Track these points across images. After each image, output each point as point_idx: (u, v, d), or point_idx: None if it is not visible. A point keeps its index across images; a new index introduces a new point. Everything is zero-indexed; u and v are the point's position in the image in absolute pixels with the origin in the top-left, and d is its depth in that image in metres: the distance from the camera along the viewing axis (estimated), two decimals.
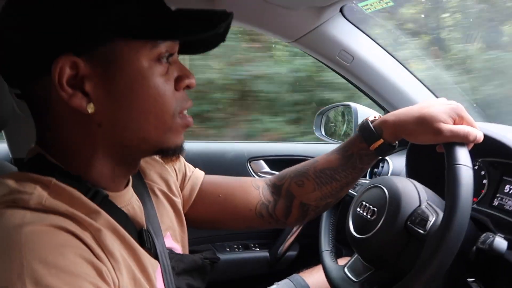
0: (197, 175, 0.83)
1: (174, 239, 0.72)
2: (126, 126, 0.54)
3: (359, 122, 0.82)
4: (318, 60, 1.28)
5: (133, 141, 0.55)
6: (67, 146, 0.54)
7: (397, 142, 0.79)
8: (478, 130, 0.72)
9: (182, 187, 0.80)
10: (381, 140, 0.77)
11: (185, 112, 0.60)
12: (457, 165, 0.67)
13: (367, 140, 0.78)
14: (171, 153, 0.59)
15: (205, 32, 0.54)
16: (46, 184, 0.50)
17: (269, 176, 0.90)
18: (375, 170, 1.35)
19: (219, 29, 0.53)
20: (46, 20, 0.48)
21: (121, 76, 0.51)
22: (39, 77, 0.51)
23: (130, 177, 0.64)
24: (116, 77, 0.51)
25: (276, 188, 0.85)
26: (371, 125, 0.78)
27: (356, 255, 0.91)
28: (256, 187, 0.84)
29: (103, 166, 0.56)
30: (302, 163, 0.86)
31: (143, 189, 0.68)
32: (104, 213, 0.53)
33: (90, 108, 0.51)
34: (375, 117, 0.81)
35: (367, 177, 1.36)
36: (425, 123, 0.72)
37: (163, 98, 0.55)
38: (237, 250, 1.52)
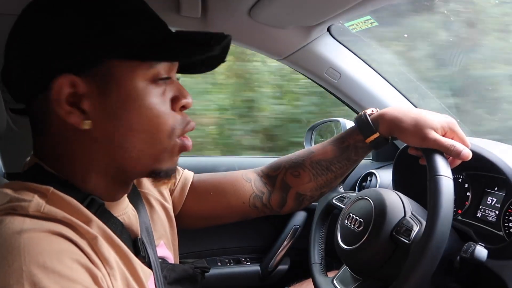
0: (187, 176, 0.84)
1: (167, 247, 0.73)
2: (121, 144, 0.55)
3: None
4: (307, 77, 1.31)
5: (127, 159, 0.56)
6: (64, 158, 0.56)
7: (390, 137, 0.81)
8: (467, 148, 0.74)
9: (173, 188, 0.81)
10: (377, 134, 0.79)
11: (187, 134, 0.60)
12: (437, 176, 0.69)
13: (363, 133, 0.80)
14: (163, 175, 0.59)
15: (200, 54, 0.55)
16: (44, 192, 0.51)
17: (260, 167, 0.90)
18: (364, 183, 1.37)
19: (215, 51, 0.55)
20: (46, 43, 0.51)
21: (117, 95, 0.53)
22: (40, 94, 0.53)
23: None
24: (112, 96, 0.53)
25: (270, 178, 0.86)
26: (368, 118, 0.80)
27: (344, 267, 0.93)
28: (247, 179, 0.85)
29: (99, 178, 0.57)
30: (296, 153, 0.87)
31: (137, 198, 0.70)
32: (99, 222, 0.54)
33: (87, 125, 0.52)
34: (372, 110, 0.83)
35: (356, 190, 1.39)
36: (417, 126, 0.75)
37: (158, 119, 0.55)
38: (228, 264, 1.52)
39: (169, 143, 0.57)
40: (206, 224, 0.86)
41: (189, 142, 0.60)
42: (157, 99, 0.55)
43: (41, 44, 0.51)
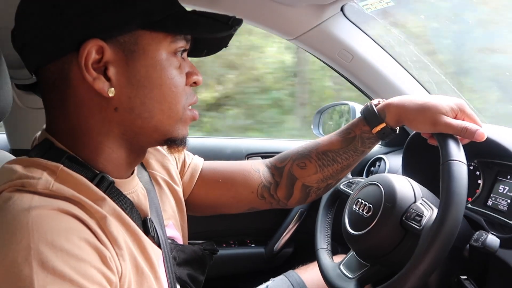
0: (197, 162, 0.84)
1: (176, 228, 0.73)
2: (140, 113, 0.56)
3: None
4: (318, 58, 1.29)
5: (145, 129, 0.57)
6: (80, 129, 0.55)
7: (398, 127, 0.80)
8: (479, 127, 0.73)
9: (182, 174, 0.81)
10: (384, 124, 0.79)
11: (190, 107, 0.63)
12: (451, 161, 0.68)
13: (370, 123, 0.80)
14: (178, 143, 0.61)
15: (221, 31, 0.57)
16: (54, 170, 0.51)
17: (269, 159, 0.91)
18: (372, 168, 1.36)
19: (234, 30, 0.57)
20: (78, 5, 0.50)
21: (142, 65, 0.54)
22: (59, 58, 0.52)
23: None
24: (137, 65, 0.54)
25: (277, 170, 0.86)
26: (374, 108, 0.80)
27: (351, 252, 0.92)
28: (256, 170, 0.86)
29: (112, 151, 0.57)
30: (304, 145, 0.87)
31: (146, 179, 0.69)
32: (109, 200, 0.54)
33: (111, 92, 0.53)
34: (379, 101, 0.82)
35: (364, 176, 1.37)
36: (426, 112, 0.73)
37: (177, 89, 0.58)
38: (233, 246, 1.52)
39: (183, 113, 0.60)
40: (213, 212, 0.87)
41: (196, 111, 0.64)
42: (177, 71, 0.58)
43: (69, 6, 0.51)
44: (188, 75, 0.61)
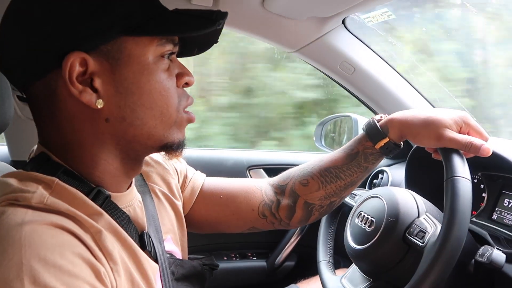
0: (198, 177, 0.83)
1: (175, 242, 0.72)
2: (132, 121, 0.55)
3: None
4: (319, 70, 1.29)
5: (138, 137, 0.56)
6: (73, 143, 0.54)
7: (402, 142, 0.79)
8: (484, 142, 0.71)
9: (183, 188, 0.80)
10: (387, 139, 0.77)
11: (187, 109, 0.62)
12: (455, 177, 0.66)
13: (373, 139, 0.78)
14: (175, 148, 0.60)
15: (206, 28, 0.56)
16: (49, 183, 0.50)
17: (272, 178, 0.90)
18: (375, 181, 1.34)
19: (219, 25, 0.55)
20: (55, 19, 0.50)
21: (128, 72, 0.53)
22: (45, 76, 0.52)
23: (133, 179, 0.64)
24: (123, 73, 0.53)
25: (279, 188, 0.85)
26: (377, 124, 0.79)
27: (353, 266, 0.91)
28: (258, 187, 0.84)
29: (108, 163, 0.56)
30: (307, 163, 0.86)
31: (145, 191, 0.69)
32: (105, 215, 0.53)
33: (99, 104, 0.52)
34: (381, 116, 0.81)
35: (366, 188, 1.36)
36: (429, 127, 0.72)
37: (168, 93, 0.57)
38: (234, 259, 1.51)
39: (177, 117, 0.59)
40: (213, 230, 0.85)
41: (193, 114, 0.62)
42: (165, 74, 0.57)
43: (46, 22, 0.50)
44: (179, 76, 0.59)
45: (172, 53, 0.58)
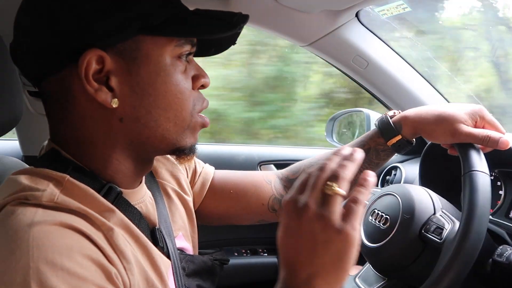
0: (208, 171, 0.83)
1: (186, 238, 0.72)
2: (146, 122, 0.54)
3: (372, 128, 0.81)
4: (332, 64, 1.27)
5: (151, 138, 0.55)
6: (85, 141, 0.54)
7: (414, 139, 0.78)
8: (502, 135, 0.70)
9: (192, 183, 0.80)
10: (399, 136, 0.76)
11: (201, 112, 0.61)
12: (473, 172, 0.66)
13: (385, 135, 0.77)
14: (187, 152, 0.59)
15: (226, 31, 0.55)
16: (60, 180, 0.50)
17: (281, 170, 0.89)
18: (387, 177, 1.33)
19: (239, 29, 0.55)
20: (73, 15, 0.49)
21: (145, 72, 0.52)
22: (60, 71, 0.51)
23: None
24: (140, 73, 0.52)
25: (289, 182, 0.84)
26: (390, 120, 0.77)
27: (367, 265, 0.90)
28: (268, 181, 0.84)
29: (119, 162, 0.56)
30: (316, 156, 0.85)
31: (155, 188, 0.68)
32: (117, 211, 0.52)
33: (115, 103, 0.51)
34: (394, 112, 0.80)
35: (379, 186, 1.34)
36: (444, 123, 0.71)
37: (183, 95, 0.56)
38: (245, 255, 1.50)
39: (191, 120, 0.58)
40: (222, 223, 0.85)
41: (207, 118, 0.61)
42: (182, 76, 0.56)
43: (64, 18, 0.49)
44: (195, 78, 0.58)
45: (190, 54, 0.57)
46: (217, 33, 0.56)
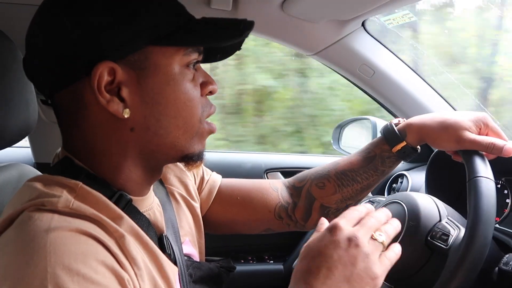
0: (215, 178, 0.83)
1: (192, 244, 0.72)
2: (156, 130, 0.55)
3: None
4: (338, 73, 1.28)
5: (161, 146, 0.56)
6: (97, 150, 0.55)
7: (419, 146, 0.79)
8: (506, 142, 0.70)
9: (200, 190, 0.80)
10: (404, 143, 0.77)
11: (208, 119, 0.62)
12: (478, 178, 0.66)
13: (390, 143, 0.78)
14: (195, 158, 0.60)
15: (232, 39, 0.56)
16: (73, 187, 0.51)
17: (287, 179, 0.89)
18: (394, 185, 1.33)
19: (245, 36, 0.56)
20: (83, 29, 0.50)
21: (154, 81, 0.54)
22: (73, 83, 0.53)
23: None
24: (149, 83, 0.53)
25: (296, 189, 0.85)
26: (395, 128, 0.78)
27: None
28: (274, 189, 0.84)
29: (130, 171, 0.57)
30: (323, 165, 0.85)
31: (163, 194, 0.69)
32: (127, 218, 0.54)
33: (126, 113, 0.53)
34: (399, 120, 0.81)
35: (385, 194, 1.34)
36: (448, 130, 0.72)
37: (192, 103, 0.57)
38: (251, 262, 1.50)
39: (199, 127, 0.59)
40: (229, 231, 0.85)
41: (214, 124, 0.62)
42: (191, 84, 0.57)
43: (75, 32, 0.50)
44: (203, 85, 0.59)
45: (197, 62, 0.58)
46: (224, 41, 0.57)
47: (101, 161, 0.55)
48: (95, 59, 0.51)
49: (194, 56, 0.56)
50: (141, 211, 0.59)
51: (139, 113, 0.54)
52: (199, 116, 0.58)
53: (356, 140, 1.49)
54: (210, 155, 1.57)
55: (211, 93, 0.61)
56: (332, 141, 1.52)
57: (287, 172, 1.54)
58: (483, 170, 0.67)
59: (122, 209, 0.54)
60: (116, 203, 0.54)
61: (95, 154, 0.55)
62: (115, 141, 0.55)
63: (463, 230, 0.71)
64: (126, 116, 0.53)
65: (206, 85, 0.60)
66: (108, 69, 0.51)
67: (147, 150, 0.56)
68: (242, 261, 1.50)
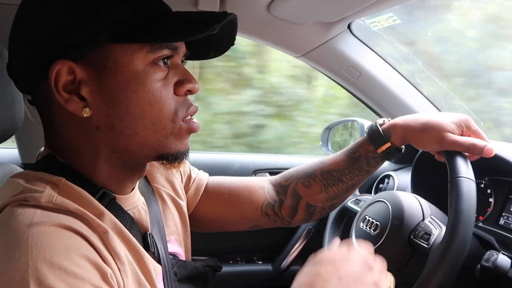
0: (202, 177, 0.84)
1: (178, 243, 0.72)
2: (122, 130, 0.54)
3: None
4: (325, 74, 1.29)
5: (131, 146, 0.55)
6: (71, 149, 0.55)
7: (403, 147, 0.80)
8: (487, 143, 0.72)
9: (187, 188, 0.80)
10: (388, 144, 0.78)
11: (190, 116, 0.59)
12: (459, 178, 0.67)
13: (375, 143, 0.79)
14: (172, 159, 0.58)
15: (197, 34, 0.52)
16: (56, 183, 0.51)
17: (274, 176, 0.90)
18: (380, 185, 1.34)
19: (213, 30, 0.51)
20: (45, 29, 0.51)
21: (115, 80, 0.52)
22: (40, 83, 0.53)
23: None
24: (110, 82, 0.52)
25: (282, 188, 0.85)
26: (379, 128, 0.79)
27: None
28: (261, 187, 0.85)
29: (108, 169, 0.57)
30: (309, 164, 0.86)
31: (149, 193, 0.69)
32: (110, 215, 0.54)
33: (86, 113, 0.52)
34: (384, 120, 0.82)
35: (372, 193, 1.36)
36: (431, 131, 0.73)
37: (160, 103, 0.54)
38: (240, 262, 1.51)
39: (174, 127, 0.56)
40: (216, 229, 0.86)
41: (195, 123, 0.59)
42: (159, 83, 0.54)
43: (38, 32, 0.51)
44: (179, 84, 0.56)
45: (168, 58, 0.55)
46: (188, 35, 0.53)
47: (79, 159, 0.55)
48: (54, 59, 0.50)
49: (164, 53, 0.54)
50: (125, 209, 0.59)
51: (102, 112, 0.53)
52: (170, 116, 0.55)
53: (344, 142, 1.51)
54: (198, 156, 1.57)
55: (190, 92, 0.58)
56: (321, 143, 1.54)
57: (275, 173, 1.51)
58: (464, 170, 0.68)
59: (106, 207, 0.54)
60: (99, 200, 0.54)
61: (72, 152, 0.55)
62: (85, 139, 0.55)
63: (444, 229, 0.72)
64: (86, 115, 0.52)
65: (182, 83, 0.57)
66: (67, 68, 0.51)
67: (119, 150, 0.55)
68: (231, 261, 1.50)
